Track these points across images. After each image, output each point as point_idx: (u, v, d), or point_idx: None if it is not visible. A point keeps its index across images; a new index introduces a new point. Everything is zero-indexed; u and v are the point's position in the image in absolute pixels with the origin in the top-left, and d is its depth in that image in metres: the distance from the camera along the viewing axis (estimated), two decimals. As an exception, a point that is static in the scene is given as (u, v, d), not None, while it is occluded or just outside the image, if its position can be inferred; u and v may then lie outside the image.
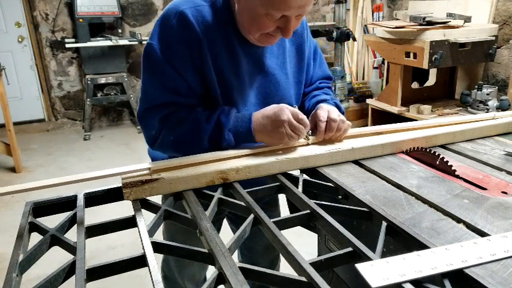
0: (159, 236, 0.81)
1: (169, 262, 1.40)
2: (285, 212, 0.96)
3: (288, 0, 0.92)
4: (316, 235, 1.24)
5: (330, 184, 0.94)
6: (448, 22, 2.17)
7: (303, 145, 1.06)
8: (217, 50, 1.04)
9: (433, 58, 2.06)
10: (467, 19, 2.24)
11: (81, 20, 4.32)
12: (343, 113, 1.25)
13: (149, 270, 0.65)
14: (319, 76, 1.34)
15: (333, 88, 2.74)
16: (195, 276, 1.41)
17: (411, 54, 2.17)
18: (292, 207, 0.94)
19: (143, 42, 4.37)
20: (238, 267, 0.65)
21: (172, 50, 1.02)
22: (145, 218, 0.82)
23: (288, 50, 1.20)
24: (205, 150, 1.02)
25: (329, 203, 0.84)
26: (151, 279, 0.62)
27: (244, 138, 1.05)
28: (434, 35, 2.08)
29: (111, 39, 4.39)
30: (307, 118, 1.05)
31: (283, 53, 1.18)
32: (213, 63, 1.04)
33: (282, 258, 0.71)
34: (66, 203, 0.90)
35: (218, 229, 1.35)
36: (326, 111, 1.09)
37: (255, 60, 1.12)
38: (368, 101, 2.62)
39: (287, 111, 1.00)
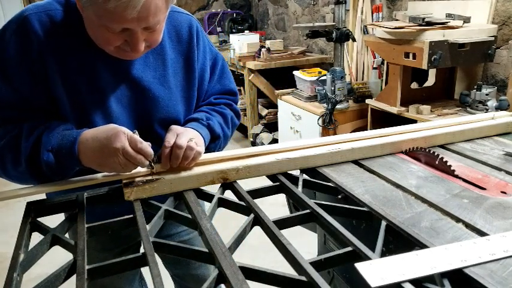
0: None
1: None
2: (284, 211, 0.97)
3: (120, 12, 0.77)
4: (316, 235, 1.24)
5: (330, 184, 0.94)
6: (447, 23, 2.17)
7: (148, 174, 0.91)
8: (67, 61, 0.91)
9: (433, 58, 2.07)
10: (467, 19, 2.24)
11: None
12: (217, 136, 1.09)
13: (150, 270, 0.65)
14: (217, 91, 1.17)
15: (329, 89, 2.73)
16: None
17: (410, 55, 2.17)
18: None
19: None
20: (239, 266, 0.65)
21: (5, 60, 0.90)
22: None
23: (170, 60, 1.04)
24: (36, 177, 0.88)
25: (329, 203, 0.84)
26: (152, 278, 0.62)
27: (67, 161, 0.86)
28: (433, 35, 2.08)
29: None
30: None
31: (163, 64, 1.02)
32: (60, 76, 0.91)
33: (282, 258, 0.72)
34: (67, 203, 0.90)
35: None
36: (174, 134, 0.93)
37: (122, 74, 0.97)
38: (367, 101, 2.62)
39: (123, 137, 0.82)
